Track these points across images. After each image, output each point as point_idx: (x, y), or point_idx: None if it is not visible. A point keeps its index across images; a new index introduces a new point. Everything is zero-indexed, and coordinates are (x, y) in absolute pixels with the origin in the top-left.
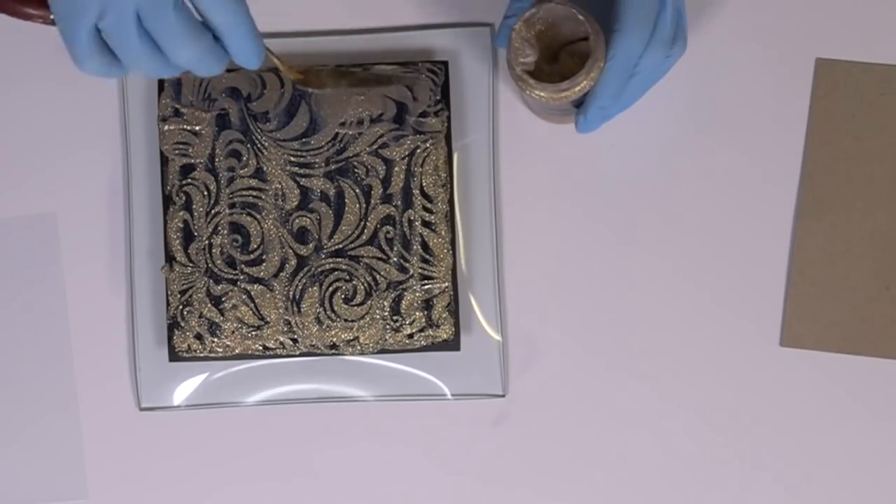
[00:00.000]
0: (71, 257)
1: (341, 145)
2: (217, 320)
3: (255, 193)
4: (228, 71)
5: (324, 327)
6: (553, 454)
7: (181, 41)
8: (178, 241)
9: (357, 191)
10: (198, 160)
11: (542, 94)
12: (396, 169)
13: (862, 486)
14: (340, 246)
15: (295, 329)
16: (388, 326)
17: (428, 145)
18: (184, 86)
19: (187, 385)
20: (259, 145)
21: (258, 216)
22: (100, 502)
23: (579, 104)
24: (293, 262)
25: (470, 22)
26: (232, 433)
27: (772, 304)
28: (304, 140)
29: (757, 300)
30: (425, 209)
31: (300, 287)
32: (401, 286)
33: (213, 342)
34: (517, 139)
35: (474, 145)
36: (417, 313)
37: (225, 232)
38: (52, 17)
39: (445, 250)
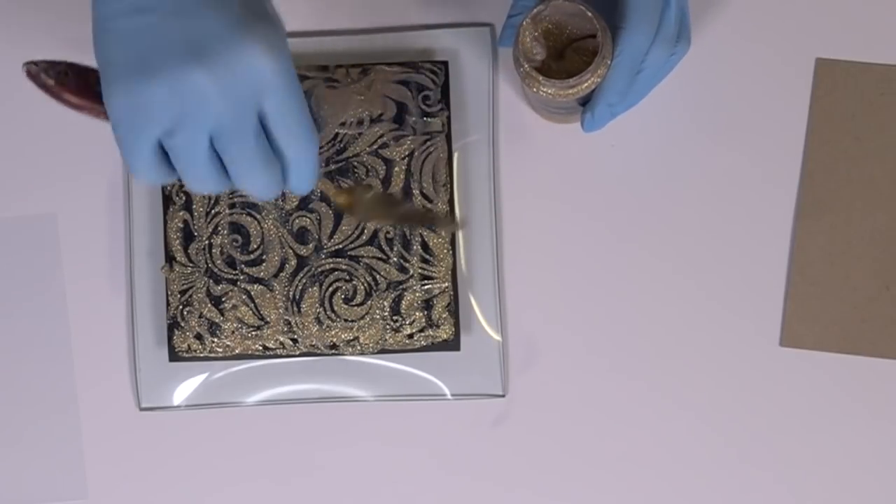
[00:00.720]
0: (71, 257)
1: (341, 145)
2: (217, 320)
3: None
4: None
5: (324, 327)
6: (553, 454)
7: (254, 170)
8: (178, 241)
9: None
10: None
11: (550, 91)
12: (396, 169)
13: (862, 486)
14: (340, 246)
15: (295, 329)
16: (388, 326)
17: (428, 145)
18: None
19: (187, 385)
20: None
21: (258, 216)
22: (100, 502)
23: (584, 102)
24: (293, 262)
25: (470, 22)
26: (232, 433)
27: (772, 304)
28: None
29: (757, 300)
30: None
31: (300, 287)
32: (401, 286)
33: (213, 342)
34: (517, 139)
35: (474, 145)
36: (417, 313)
37: (225, 232)
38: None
39: (445, 250)
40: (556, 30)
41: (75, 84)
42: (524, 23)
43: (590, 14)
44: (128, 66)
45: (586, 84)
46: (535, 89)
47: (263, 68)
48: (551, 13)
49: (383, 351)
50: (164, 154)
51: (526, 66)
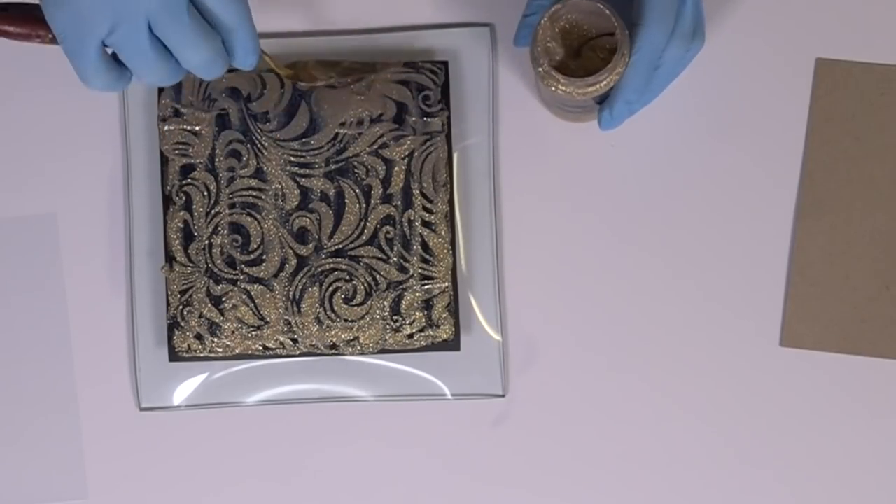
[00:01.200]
0: (71, 257)
1: (341, 145)
2: (217, 320)
3: (255, 193)
4: (229, 71)
5: (324, 327)
6: (553, 454)
7: (194, 45)
8: (178, 241)
9: (357, 191)
10: (198, 160)
11: (568, 89)
12: (396, 169)
13: (862, 486)
14: (340, 246)
15: (295, 329)
16: (388, 326)
17: (428, 145)
18: (184, 86)
19: (187, 385)
20: (259, 145)
21: (258, 216)
22: (100, 502)
23: (601, 100)
24: (293, 262)
25: (470, 22)
26: (232, 433)
27: (772, 304)
28: (304, 140)
29: (757, 300)
30: (425, 209)
31: (300, 287)
32: (401, 286)
33: (213, 342)
34: (517, 139)
35: (474, 145)
36: (417, 313)
37: (225, 232)
38: (50, 36)
39: (445, 250)
40: (574, 28)
41: (17, 15)
42: (542, 22)
43: (608, 12)
44: None
45: (605, 82)
46: (553, 88)
47: None
48: (569, 11)
49: (383, 351)
50: (112, 56)
51: (545, 65)
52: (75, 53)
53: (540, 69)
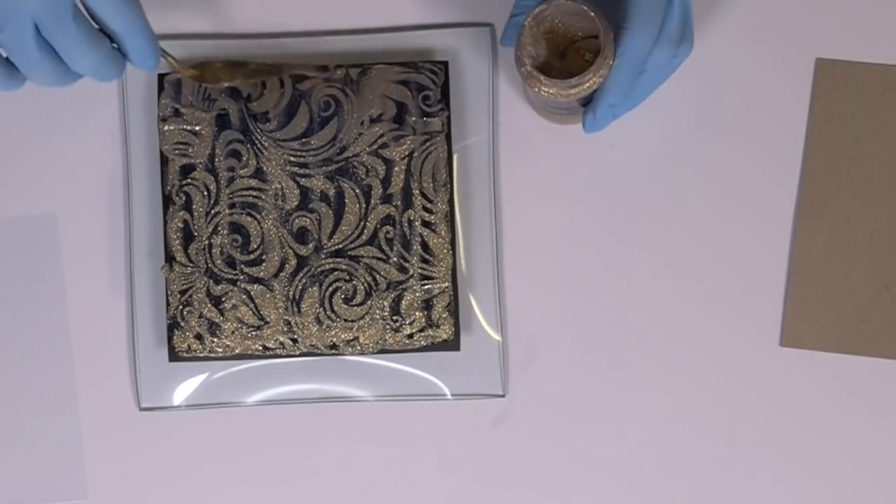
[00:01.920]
0: (71, 257)
1: (341, 145)
2: (217, 320)
3: (255, 193)
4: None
5: (324, 327)
6: (553, 454)
7: (81, 49)
8: (178, 241)
9: (357, 191)
10: (198, 160)
11: (551, 90)
12: (396, 169)
13: (862, 485)
14: (340, 246)
15: (295, 329)
16: (388, 326)
17: (428, 145)
18: (184, 86)
19: (187, 385)
20: (259, 145)
21: (258, 216)
22: (100, 502)
23: (586, 103)
24: (293, 262)
25: (470, 22)
26: (232, 433)
27: (772, 304)
28: (304, 140)
29: (757, 300)
30: (425, 209)
31: (300, 287)
32: (401, 286)
33: (213, 342)
34: (517, 139)
35: (474, 145)
36: (417, 313)
37: (225, 232)
38: None
39: (445, 250)
40: (559, 29)
41: None
42: (526, 22)
43: (592, 14)
44: None
45: (588, 84)
46: (536, 89)
47: None
48: (553, 12)
49: (383, 351)
50: (1, 56)
51: (528, 65)
52: None
53: (523, 69)
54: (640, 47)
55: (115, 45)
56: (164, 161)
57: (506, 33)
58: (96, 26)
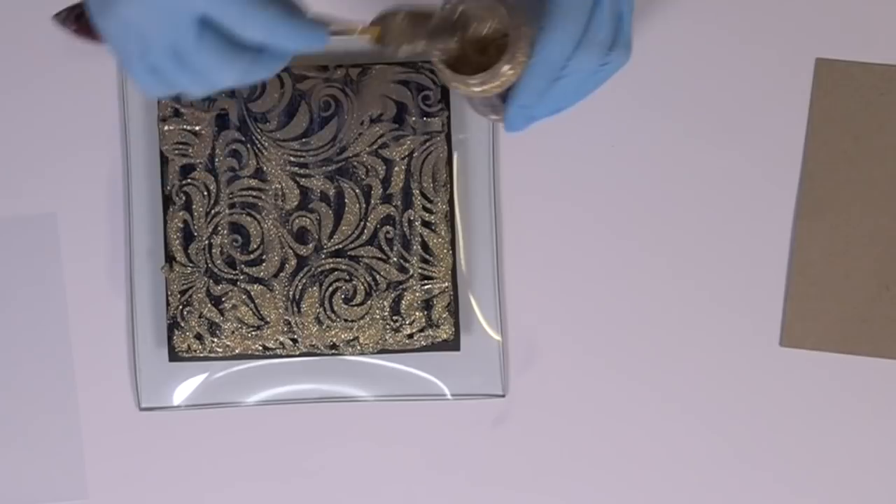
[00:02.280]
0: (71, 257)
1: (341, 145)
2: (217, 320)
3: (255, 193)
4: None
5: (324, 327)
6: (553, 454)
7: (215, 71)
8: (178, 241)
9: (357, 191)
10: (198, 160)
11: (457, 85)
12: (396, 169)
13: (862, 485)
14: (340, 246)
15: (295, 329)
16: (387, 326)
17: (428, 145)
18: None
19: (187, 385)
20: (259, 145)
21: (258, 216)
22: (100, 502)
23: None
24: (293, 262)
25: None
26: (232, 433)
27: (772, 304)
28: (304, 140)
29: (757, 300)
30: (425, 209)
31: (300, 287)
32: (401, 286)
33: (213, 342)
34: (517, 139)
35: (474, 145)
36: (417, 313)
37: (225, 232)
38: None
39: (445, 250)
40: (472, 22)
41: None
42: (440, 13)
43: (504, 9)
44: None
45: (496, 82)
46: (448, 85)
47: None
48: (468, 6)
49: (383, 351)
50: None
51: (437, 57)
52: (126, 70)
53: (433, 61)
54: (555, 48)
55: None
56: (164, 161)
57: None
58: (229, 44)
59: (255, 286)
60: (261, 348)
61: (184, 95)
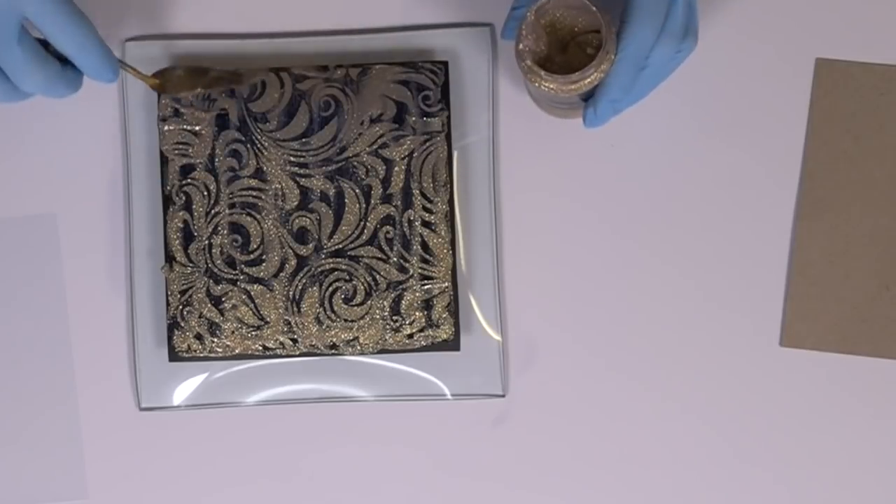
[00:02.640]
0: (71, 257)
1: (341, 145)
2: (217, 320)
3: (255, 193)
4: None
5: (324, 327)
6: (553, 454)
7: (26, 72)
8: (178, 241)
9: (357, 191)
10: (198, 160)
11: (552, 85)
12: (396, 169)
13: (862, 485)
14: (340, 246)
15: (295, 329)
16: (387, 326)
17: (428, 145)
18: None
19: (187, 385)
20: (259, 145)
21: (258, 216)
22: (100, 502)
23: (587, 97)
24: (293, 262)
25: (470, 22)
26: (232, 433)
27: (772, 304)
28: (304, 140)
29: (757, 300)
30: (425, 209)
31: (300, 287)
32: (401, 286)
33: (213, 342)
34: (517, 139)
35: (474, 145)
36: (417, 313)
37: (225, 232)
38: None
39: (445, 250)
40: (560, 23)
41: None
42: (528, 16)
43: (594, 8)
44: None
45: (588, 80)
46: (536, 84)
47: None
48: (554, 6)
49: (383, 351)
50: None
51: (528, 60)
52: None
53: (523, 64)
54: (642, 42)
55: (67, 64)
56: (164, 161)
57: (506, 27)
58: (44, 50)
59: (255, 286)
60: (261, 348)
61: None
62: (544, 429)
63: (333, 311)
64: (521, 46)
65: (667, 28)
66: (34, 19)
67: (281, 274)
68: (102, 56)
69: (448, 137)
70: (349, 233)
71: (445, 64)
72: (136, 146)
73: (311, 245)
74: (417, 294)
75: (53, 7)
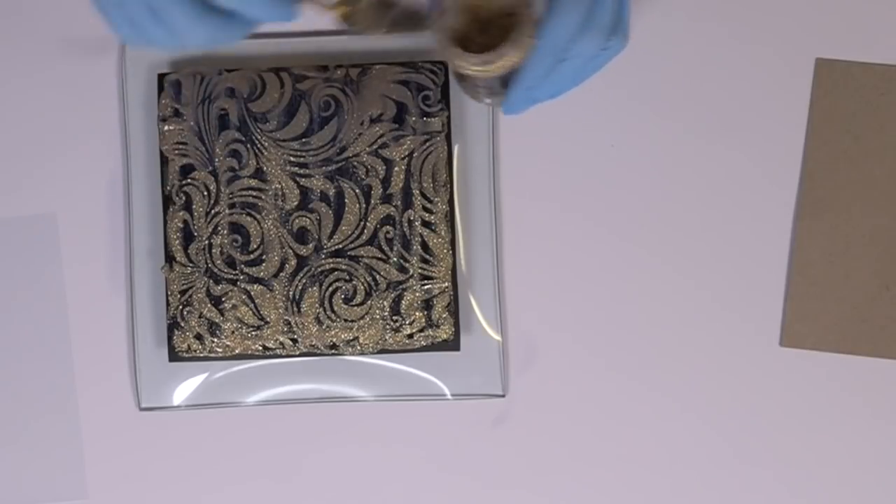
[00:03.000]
0: (71, 257)
1: (341, 145)
2: (217, 320)
3: (254, 193)
4: (228, 71)
5: (324, 327)
6: (553, 454)
7: (188, 27)
8: (178, 241)
9: (357, 191)
10: (198, 160)
11: (463, 64)
12: (396, 169)
13: (862, 485)
14: (340, 246)
15: (295, 329)
16: (387, 326)
17: (428, 145)
18: (183, 86)
19: (187, 385)
20: (259, 145)
21: (258, 216)
22: (100, 502)
23: (506, 84)
24: (293, 262)
25: None
26: (232, 433)
27: (772, 304)
28: (304, 140)
29: (757, 300)
30: (425, 209)
31: (300, 287)
32: (401, 286)
33: (213, 342)
34: (517, 139)
35: (474, 145)
36: (417, 313)
37: (225, 232)
38: None
39: (445, 250)
40: (482, 4)
41: None
42: None
43: None
44: None
45: (502, 61)
46: (452, 63)
47: None
48: None
49: (383, 351)
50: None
51: (441, 35)
52: (101, 15)
53: (440, 40)
54: (561, 31)
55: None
56: (164, 161)
57: (431, 3)
58: (204, 6)
59: (255, 286)
60: (261, 348)
61: (155, 46)
62: (544, 429)
63: (333, 311)
64: (441, 23)
65: (593, 21)
66: None
67: (281, 274)
68: (270, 3)
69: (448, 137)
70: (349, 233)
71: (445, 64)
72: (136, 146)
73: (311, 245)
74: (417, 294)
75: None
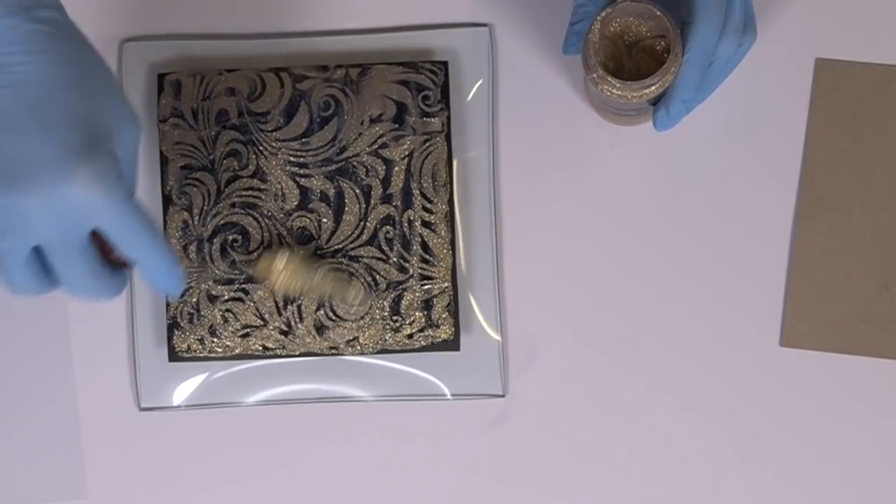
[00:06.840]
0: None
1: (341, 145)
2: (217, 320)
3: (254, 193)
4: (228, 71)
5: (324, 327)
6: (553, 454)
7: (81, 282)
8: (178, 241)
9: (357, 191)
10: (197, 160)
11: (623, 93)
12: (396, 169)
13: (862, 485)
14: (340, 246)
15: (295, 329)
16: (387, 326)
17: (428, 145)
18: (183, 86)
19: (187, 385)
20: (259, 145)
21: (258, 216)
22: (100, 502)
23: (655, 101)
24: None
25: (470, 22)
26: (232, 433)
27: (772, 304)
28: (304, 140)
29: (757, 300)
30: (425, 209)
31: None
32: (400, 286)
33: (213, 342)
34: (517, 139)
35: (474, 145)
36: (417, 313)
37: (225, 232)
38: None
39: (445, 250)
40: (624, 31)
41: None
42: (593, 28)
43: (658, 13)
44: None
45: (659, 83)
46: (608, 93)
47: (89, 197)
48: (619, 15)
49: (383, 351)
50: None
51: (599, 70)
52: None
53: (594, 75)
54: (707, 40)
55: (119, 270)
56: (164, 161)
57: (568, 41)
58: (102, 261)
59: (256, 286)
60: (261, 348)
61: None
62: (544, 428)
63: (333, 311)
64: (589, 58)
65: (728, 23)
66: (105, 231)
67: None
68: (170, 269)
69: (448, 137)
70: (349, 233)
71: (445, 64)
72: None
73: (311, 245)
74: (417, 294)
75: (129, 223)
